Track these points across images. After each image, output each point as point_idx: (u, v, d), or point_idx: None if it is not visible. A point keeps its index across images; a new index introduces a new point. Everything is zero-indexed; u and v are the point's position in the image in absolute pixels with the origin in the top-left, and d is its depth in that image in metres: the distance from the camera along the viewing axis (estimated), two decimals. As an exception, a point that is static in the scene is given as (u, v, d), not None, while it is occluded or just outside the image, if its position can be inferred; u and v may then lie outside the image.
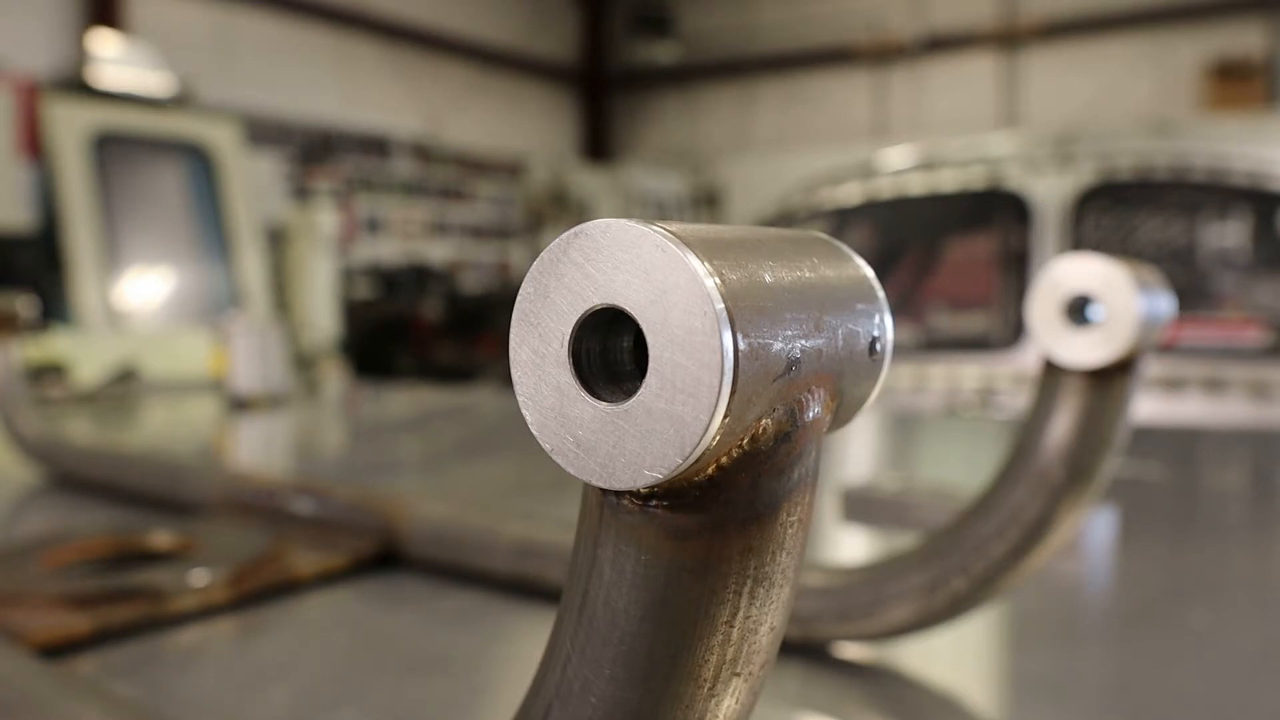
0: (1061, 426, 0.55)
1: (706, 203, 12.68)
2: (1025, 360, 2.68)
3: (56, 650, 0.69)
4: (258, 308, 5.59)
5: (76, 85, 5.39)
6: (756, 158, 12.73)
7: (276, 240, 6.85)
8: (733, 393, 0.23)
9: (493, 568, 0.82)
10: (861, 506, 1.06)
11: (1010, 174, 2.97)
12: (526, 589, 0.81)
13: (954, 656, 0.70)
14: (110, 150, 5.24)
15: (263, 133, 8.93)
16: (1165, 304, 0.55)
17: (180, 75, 6.05)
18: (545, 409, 0.25)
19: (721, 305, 0.23)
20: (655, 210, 11.74)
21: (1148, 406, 2.38)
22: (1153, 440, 1.63)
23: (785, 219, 3.35)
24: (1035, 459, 0.56)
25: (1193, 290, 3.04)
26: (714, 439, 0.23)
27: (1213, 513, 1.24)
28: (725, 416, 0.23)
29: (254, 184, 6.39)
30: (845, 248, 0.30)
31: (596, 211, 10.58)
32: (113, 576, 0.80)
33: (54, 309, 4.73)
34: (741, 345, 0.23)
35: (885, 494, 1.05)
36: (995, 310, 3.12)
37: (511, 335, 0.26)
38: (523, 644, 0.74)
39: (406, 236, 10.94)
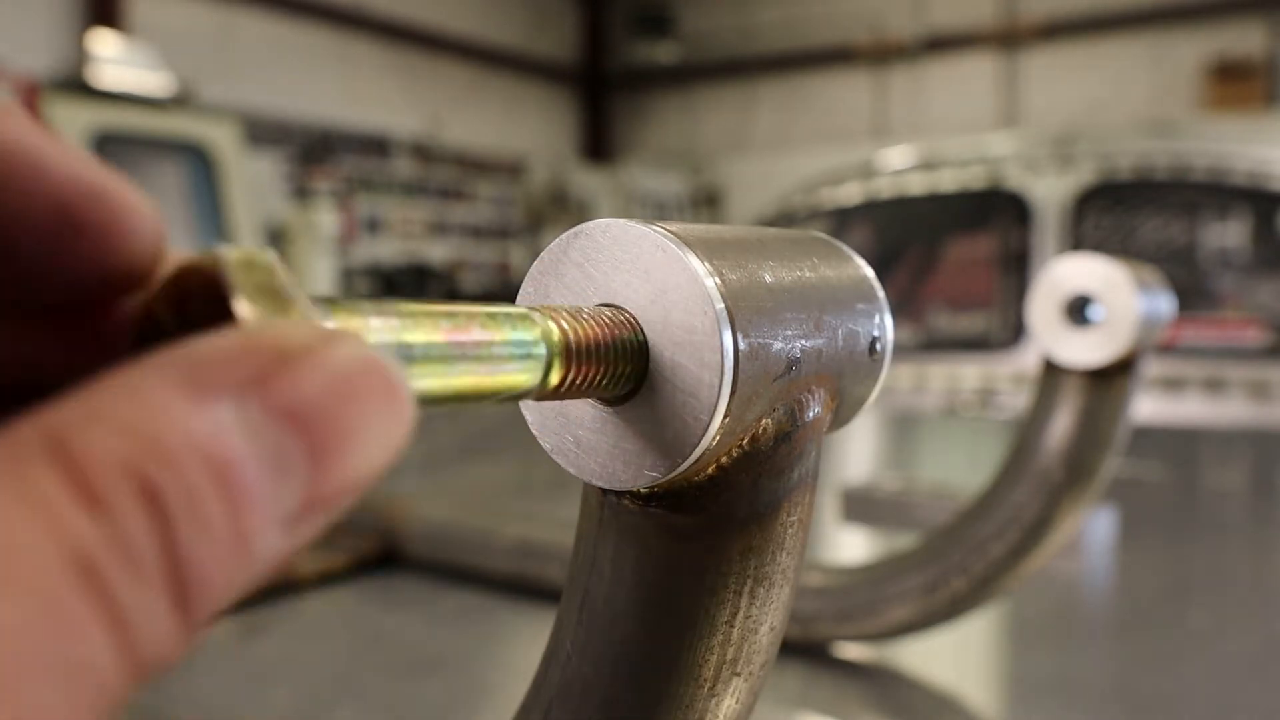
0: (1061, 426, 0.55)
1: (706, 203, 12.66)
2: (1025, 360, 2.68)
3: (56, 650, 0.69)
4: (257, 308, 5.59)
5: (76, 85, 5.39)
6: (756, 158, 12.71)
7: (276, 240, 6.84)
8: (733, 393, 0.23)
9: (492, 568, 0.82)
10: (861, 506, 1.06)
11: (1010, 174, 2.97)
12: (526, 589, 0.80)
13: (954, 656, 0.70)
14: (110, 150, 5.24)
15: (263, 133, 8.92)
16: (1165, 304, 0.55)
17: (180, 75, 6.05)
18: (545, 409, 0.25)
19: (721, 305, 0.23)
20: (655, 210, 11.72)
21: (1148, 406, 2.37)
22: (1153, 440, 1.63)
23: (785, 219, 3.35)
24: (1035, 459, 0.56)
25: (1193, 290, 3.03)
26: (714, 439, 0.23)
27: (1213, 513, 1.24)
28: (725, 416, 0.23)
29: (254, 184, 6.38)
30: (845, 248, 0.30)
31: (596, 211, 10.57)
32: (113, 576, 0.79)
33: (54, 309, 4.72)
34: (741, 345, 0.23)
35: (885, 494, 1.05)
36: (995, 310, 3.12)
37: (512, 335, 0.26)
38: (523, 644, 0.74)
39: (406, 236, 10.92)
